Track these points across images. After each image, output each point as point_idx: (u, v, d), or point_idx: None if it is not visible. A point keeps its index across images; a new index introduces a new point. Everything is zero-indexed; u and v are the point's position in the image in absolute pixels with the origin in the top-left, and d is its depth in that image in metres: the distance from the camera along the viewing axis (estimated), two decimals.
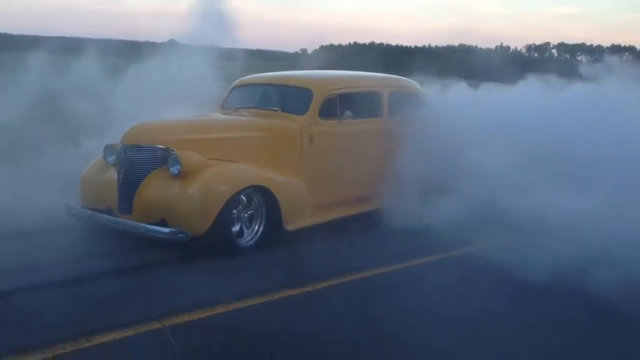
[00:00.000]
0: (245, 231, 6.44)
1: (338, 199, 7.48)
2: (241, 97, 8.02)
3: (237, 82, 8.24)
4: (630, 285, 5.46)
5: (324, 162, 7.33)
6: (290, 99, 7.62)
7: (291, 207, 6.73)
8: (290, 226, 6.71)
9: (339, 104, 7.52)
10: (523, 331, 4.79)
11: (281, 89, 7.84)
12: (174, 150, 6.33)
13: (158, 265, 6.00)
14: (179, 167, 6.18)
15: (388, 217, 7.25)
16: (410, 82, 8.89)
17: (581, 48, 49.01)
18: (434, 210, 7.12)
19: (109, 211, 6.45)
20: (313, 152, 7.24)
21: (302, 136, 7.17)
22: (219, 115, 7.66)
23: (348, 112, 7.53)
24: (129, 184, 6.40)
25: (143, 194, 6.31)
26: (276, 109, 7.51)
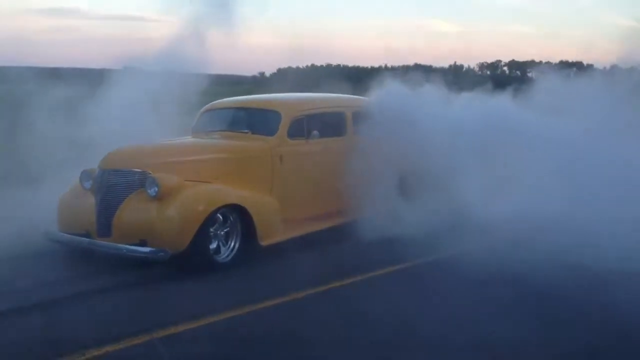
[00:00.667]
0: (222, 248, 6.70)
1: (309, 215, 7.83)
2: (212, 121, 8.33)
3: (207, 106, 8.56)
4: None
5: (294, 180, 7.68)
6: (260, 121, 7.97)
7: (265, 223, 7.03)
8: (264, 242, 7.00)
9: (306, 125, 7.90)
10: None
11: (250, 112, 8.19)
12: (150, 173, 6.59)
13: (141, 283, 6.22)
14: (156, 189, 6.44)
15: (356, 229, 7.63)
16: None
17: (531, 65, 50.48)
18: (400, 220, 7.57)
19: (87, 235, 6.65)
20: (283, 171, 7.59)
21: (272, 156, 7.52)
22: (192, 139, 7.96)
23: (315, 132, 7.90)
24: (108, 207, 6.63)
25: (122, 216, 6.53)
26: (246, 131, 7.84)
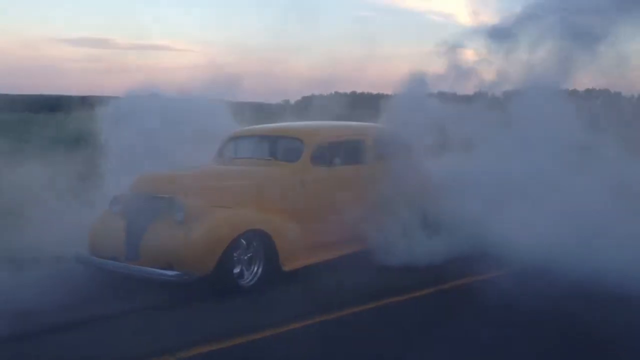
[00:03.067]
0: (246, 272, 6.90)
1: (330, 240, 7.97)
2: (236, 148, 8.59)
3: (232, 133, 8.81)
4: None
5: (316, 206, 7.85)
6: (283, 148, 8.22)
7: (287, 248, 7.23)
8: (287, 267, 7.19)
9: (329, 152, 8.12)
10: None
11: (274, 140, 8.43)
12: (178, 199, 6.83)
13: (165, 306, 6.43)
14: (182, 214, 6.67)
15: (377, 255, 7.80)
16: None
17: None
18: (419, 247, 7.75)
19: (115, 258, 6.88)
20: (306, 197, 7.78)
21: (295, 182, 7.72)
22: (217, 166, 8.20)
23: (337, 159, 8.10)
24: (136, 232, 6.87)
25: (149, 241, 6.76)
26: (270, 158, 8.07)
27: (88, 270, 7.19)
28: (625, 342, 5.40)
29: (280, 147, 8.28)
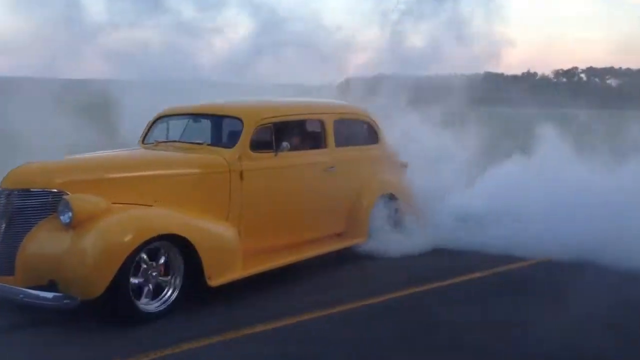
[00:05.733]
0: (151, 293, 5.27)
1: (276, 245, 6.42)
2: (163, 130, 6.94)
3: (160, 112, 7.12)
4: None
5: (258, 202, 6.26)
6: (219, 130, 6.62)
7: (216, 258, 5.60)
8: (214, 281, 5.56)
9: (275, 135, 6.48)
10: None
11: (208, 120, 6.81)
12: (67, 194, 5.18)
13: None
14: (70, 214, 5.00)
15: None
16: (359, 109, 7.99)
17: (610, 71, 46.80)
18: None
19: None
20: (244, 191, 6.15)
21: (230, 172, 6.08)
22: (128, 151, 6.52)
23: (285, 144, 6.47)
24: (12, 238, 5.18)
25: (27, 250, 5.09)
26: (201, 142, 6.44)
27: None
28: None
29: (215, 129, 6.67)
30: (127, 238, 5.02)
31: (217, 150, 6.27)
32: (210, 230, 5.71)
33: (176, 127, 6.89)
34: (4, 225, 5.24)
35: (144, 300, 5.19)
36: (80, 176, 5.42)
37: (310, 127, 7.12)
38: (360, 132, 7.83)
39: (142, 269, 5.17)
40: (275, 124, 6.54)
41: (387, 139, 8.08)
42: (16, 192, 5.23)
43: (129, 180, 5.60)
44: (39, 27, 9.55)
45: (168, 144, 6.63)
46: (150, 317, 5.16)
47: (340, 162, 7.12)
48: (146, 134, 7.01)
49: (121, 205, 5.35)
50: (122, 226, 5.10)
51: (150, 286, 5.24)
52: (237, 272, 5.83)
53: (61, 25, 9.52)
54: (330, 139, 7.07)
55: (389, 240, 7.39)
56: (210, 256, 5.51)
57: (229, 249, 5.84)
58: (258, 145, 6.35)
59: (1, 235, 5.23)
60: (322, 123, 7.05)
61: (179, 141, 6.62)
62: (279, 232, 6.50)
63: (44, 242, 5.10)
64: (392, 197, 7.78)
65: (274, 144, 6.43)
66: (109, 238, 4.99)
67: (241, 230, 6.06)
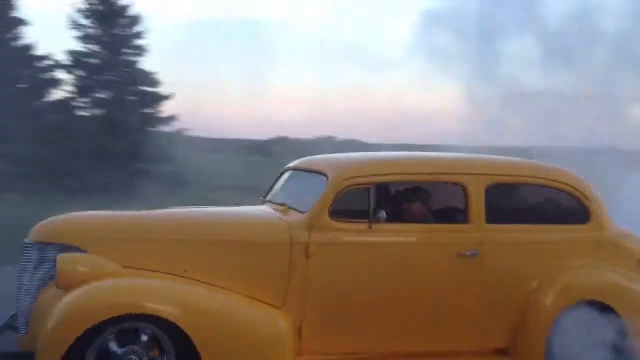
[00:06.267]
0: None
1: (355, 353, 4.76)
2: (279, 186, 5.87)
3: (289, 165, 6.04)
4: None
5: (330, 290, 4.73)
6: (305, 189, 5.23)
7: (234, 355, 4.31)
8: None
9: (372, 200, 4.86)
10: None
11: (301, 177, 5.50)
12: (78, 249, 4.53)
13: None
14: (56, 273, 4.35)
15: None
16: (556, 173, 5.52)
17: None
18: None
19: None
20: (312, 273, 4.70)
21: (290, 245, 4.71)
22: (171, 211, 5.52)
23: (382, 213, 4.79)
24: (31, 294, 4.73)
25: (34, 312, 4.59)
26: (283, 202, 5.18)
27: None
28: None
29: (303, 187, 5.31)
30: (88, 312, 4.10)
31: (292, 213, 4.95)
32: (231, 314, 4.43)
33: (284, 182, 5.76)
34: (26, 281, 4.83)
35: None
36: (100, 234, 4.71)
37: (442, 194, 5.24)
38: (550, 205, 5.52)
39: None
40: (378, 186, 4.93)
41: (609, 219, 5.56)
42: (37, 246, 4.77)
43: (149, 243, 4.68)
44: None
45: (269, 204, 5.55)
46: None
47: (493, 245, 5.05)
48: (271, 188, 6.02)
49: (134, 271, 4.49)
50: (88, 297, 4.20)
51: None
52: None
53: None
54: (476, 210, 5.06)
55: None
56: (220, 351, 4.25)
57: (269, 344, 4.46)
58: (344, 212, 4.82)
59: (24, 291, 4.82)
60: (463, 188, 5.09)
61: (272, 201, 5.49)
62: (371, 335, 4.82)
63: (44, 300, 4.53)
64: (605, 309, 5.13)
65: (370, 211, 4.82)
66: (70, 307, 4.14)
67: (303, 326, 4.63)
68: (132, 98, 27.27)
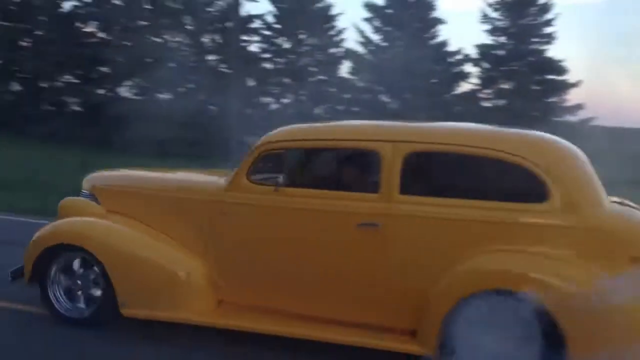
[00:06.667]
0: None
1: (280, 308, 5.03)
2: None
3: None
4: None
5: (246, 248, 5.09)
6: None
7: (141, 287, 5.17)
8: (131, 311, 5.15)
9: (287, 165, 5.03)
10: None
11: None
12: (91, 196, 5.96)
13: None
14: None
15: None
16: (507, 142, 4.63)
17: None
18: None
19: None
20: (226, 229, 5.13)
21: (211, 203, 5.21)
22: (166, 172, 6.17)
23: (282, 177, 4.91)
24: None
25: None
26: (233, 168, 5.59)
27: None
28: None
29: None
30: (45, 237, 5.46)
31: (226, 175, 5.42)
32: (146, 255, 5.22)
33: None
34: None
35: (64, 302, 5.47)
36: (102, 184, 5.98)
37: (363, 162, 4.90)
38: (490, 178, 4.62)
39: (74, 273, 5.46)
40: (291, 152, 5.03)
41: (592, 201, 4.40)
42: (82, 194, 6.25)
43: (126, 194, 5.74)
44: None
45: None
46: (62, 318, 5.41)
47: (399, 219, 4.62)
48: None
49: (111, 214, 5.69)
50: (53, 227, 5.53)
51: (80, 293, 5.44)
52: (185, 315, 5.07)
53: None
54: (388, 179, 4.66)
55: None
56: (129, 282, 5.17)
57: (176, 282, 5.14)
58: (260, 176, 5.10)
59: None
60: (377, 156, 4.74)
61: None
62: (279, 294, 5.01)
63: None
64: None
65: (281, 176, 4.99)
66: (38, 233, 5.55)
67: (218, 277, 5.16)
68: (536, 87, 27.12)
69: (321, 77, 29.77)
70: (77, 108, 27.41)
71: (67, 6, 26.94)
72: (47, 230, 5.51)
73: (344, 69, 30.52)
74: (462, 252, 4.43)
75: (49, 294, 5.44)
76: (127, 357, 4.86)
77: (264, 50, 29.49)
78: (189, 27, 27.54)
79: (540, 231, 4.36)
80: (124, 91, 27.16)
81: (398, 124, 5.21)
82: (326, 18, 30.01)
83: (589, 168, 4.70)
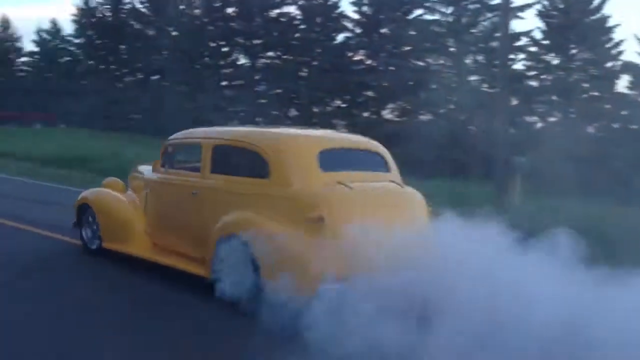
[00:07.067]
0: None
1: (171, 247, 7.85)
2: None
3: None
4: None
5: (153, 209, 8.17)
6: None
7: (112, 229, 8.38)
8: (107, 244, 8.42)
9: (173, 155, 8.01)
10: None
11: None
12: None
13: None
14: None
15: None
16: (252, 136, 7.07)
17: None
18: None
19: None
20: (149, 197, 8.26)
21: (146, 180, 8.41)
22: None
23: (169, 164, 7.93)
24: None
25: None
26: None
27: None
28: None
29: None
30: (77, 200, 9.08)
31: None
32: (119, 211, 8.47)
33: None
34: None
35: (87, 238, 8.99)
36: (132, 174, 9.34)
37: (196, 151, 7.47)
38: (247, 162, 6.97)
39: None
40: (174, 145, 7.95)
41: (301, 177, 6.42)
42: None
43: (136, 178, 9.03)
44: None
45: None
46: (87, 249, 8.86)
47: (205, 189, 7.15)
48: None
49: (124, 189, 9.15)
50: (85, 193, 9.11)
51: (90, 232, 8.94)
52: (129, 248, 8.24)
53: None
54: (205, 164, 7.25)
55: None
56: (107, 225, 8.52)
57: (128, 228, 8.33)
58: (165, 162, 8.04)
59: None
60: (201, 147, 7.35)
61: None
62: (164, 237, 7.93)
63: None
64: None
65: (168, 162, 7.94)
66: (81, 195, 9.19)
67: (147, 227, 8.25)
68: None
69: (594, 93, 29.17)
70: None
71: (340, 38, 31.59)
72: (80, 195, 9.18)
73: (622, 83, 29.42)
74: (228, 209, 6.80)
75: (82, 233, 9.06)
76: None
77: (530, 68, 30.06)
78: (451, 49, 29.76)
79: (261, 198, 6.52)
80: (387, 113, 30.56)
81: (217, 129, 7.77)
82: (602, 30, 29.30)
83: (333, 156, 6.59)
